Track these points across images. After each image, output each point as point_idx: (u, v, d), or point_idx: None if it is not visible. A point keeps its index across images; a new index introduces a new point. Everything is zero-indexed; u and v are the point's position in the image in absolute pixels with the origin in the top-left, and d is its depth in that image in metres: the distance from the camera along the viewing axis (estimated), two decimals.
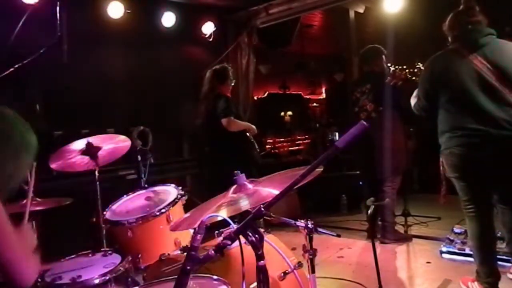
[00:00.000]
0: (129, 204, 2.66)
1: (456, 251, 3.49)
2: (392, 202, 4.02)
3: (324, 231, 1.76)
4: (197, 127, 4.06)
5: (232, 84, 3.97)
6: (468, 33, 2.59)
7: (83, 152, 2.54)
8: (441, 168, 2.79)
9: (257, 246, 1.11)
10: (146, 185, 2.86)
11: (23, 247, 1.27)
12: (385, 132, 3.81)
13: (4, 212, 1.21)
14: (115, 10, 4.33)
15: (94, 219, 2.57)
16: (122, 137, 2.76)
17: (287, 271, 1.86)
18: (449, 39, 2.71)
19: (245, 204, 1.41)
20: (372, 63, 4.06)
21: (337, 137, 7.03)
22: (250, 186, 1.54)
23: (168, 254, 2.18)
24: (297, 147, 8.81)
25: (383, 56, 4.03)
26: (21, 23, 3.39)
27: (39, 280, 1.85)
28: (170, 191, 2.65)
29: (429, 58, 2.76)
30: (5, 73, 2.50)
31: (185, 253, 1.10)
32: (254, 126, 4.00)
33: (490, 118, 2.44)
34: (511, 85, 2.42)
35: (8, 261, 1.19)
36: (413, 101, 2.89)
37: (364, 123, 1.10)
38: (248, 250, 1.13)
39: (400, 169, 3.99)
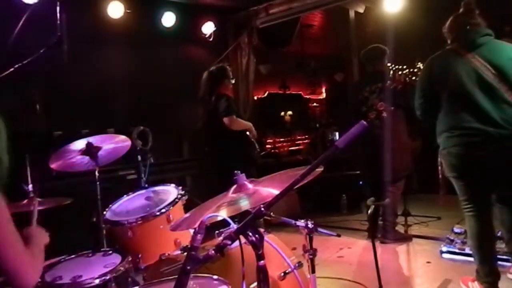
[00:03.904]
0: (129, 204, 2.66)
1: (456, 251, 3.49)
2: (396, 202, 4.02)
3: (324, 231, 1.76)
4: (198, 129, 4.05)
5: (232, 82, 3.93)
6: (466, 33, 2.60)
7: (83, 152, 2.54)
8: (440, 168, 2.79)
9: (257, 246, 1.11)
10: (146, 185, 2.85)
11: (27, 248, 1.25)
12: (394, 132, 3.76)
13: (7, 211, 1.20)
14: (115, 10, 4.34)
15: (94, 219, 2.57)
16: (122, 137, 2.75)
17: (287, 271, 1.86)
18: (448, 41, 2.72)
19: (245, 204, 1.41)
20: (378, 63, 4.01)
21: (337, 137, 7.04)
22: (250, 186, 1.54)
23: (168, 254, 2.17)
24: (297, 147, 8.84)
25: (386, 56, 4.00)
26: (21, 23, 3.40)
27: (39, 279, 1.85)
28: (170, 191, 2.64)
29: (428, 58, 2.77)
30: (5, 73, 2.49)
31: (185, 253, 1.10)
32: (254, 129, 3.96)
33: (488, 117, 2.44)
34: (509, 84, 2.43)
35: (9, 261, 1.17)
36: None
37: (364, 123, 1.09)
38: (248, 250, 1.13)
39: (407, 170, 3.98)
